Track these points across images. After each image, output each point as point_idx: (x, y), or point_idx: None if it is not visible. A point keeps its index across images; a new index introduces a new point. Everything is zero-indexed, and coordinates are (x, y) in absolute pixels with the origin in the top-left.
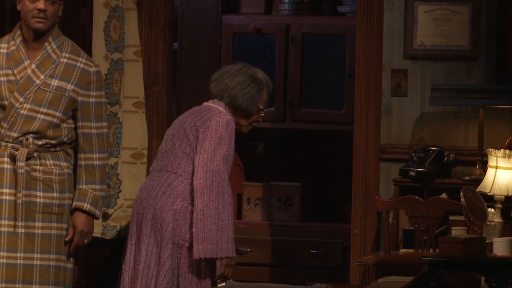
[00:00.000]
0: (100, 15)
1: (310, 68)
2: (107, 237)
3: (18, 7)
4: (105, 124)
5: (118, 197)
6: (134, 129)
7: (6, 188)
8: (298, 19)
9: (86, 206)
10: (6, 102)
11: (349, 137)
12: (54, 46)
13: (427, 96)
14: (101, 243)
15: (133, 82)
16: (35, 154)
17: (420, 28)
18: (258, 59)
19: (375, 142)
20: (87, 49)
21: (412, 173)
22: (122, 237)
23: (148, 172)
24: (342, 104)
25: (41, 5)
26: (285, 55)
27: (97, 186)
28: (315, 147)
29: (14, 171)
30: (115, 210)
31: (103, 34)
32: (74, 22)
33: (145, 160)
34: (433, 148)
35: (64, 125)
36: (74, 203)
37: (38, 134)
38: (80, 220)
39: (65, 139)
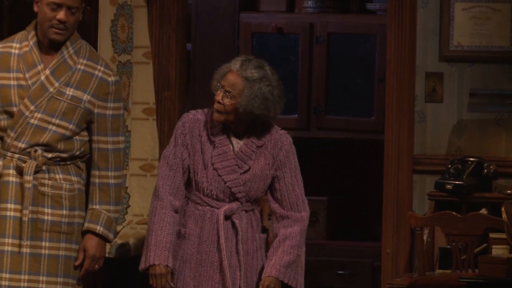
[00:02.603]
0: (106, 13)
1: (337, 71)
2: (115, 256)
3: (35, 8)
4: (122, 138)
5: (127, 213)
6: (144, 138)
7: (11, 203)
8: (323, 18)
9: (99, 229)
10: (14, 109)
11: (380, 147)
12: (72, 51)
13: (465, 102)
14: (108, 263)
15: (143, 87)
16: (43, 168)
17: (457, 28)
18: (280, 61)
19: (408, 152)
20: None
21: (448, 187)
22: (130, 256)
23: None
24: (372, 110)
25: (61, 15)
26: (309, 57)
27: (112, 207)
28: (342, 158)
29: (21, 185)
30: (124, 227)
31: (109, 34)
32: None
33: (155, 172)
34: (471, 159)
35: (77, 137)
36: (86, 224)
37: (48, 147)
38: (91, 243)
39: (77, 152)
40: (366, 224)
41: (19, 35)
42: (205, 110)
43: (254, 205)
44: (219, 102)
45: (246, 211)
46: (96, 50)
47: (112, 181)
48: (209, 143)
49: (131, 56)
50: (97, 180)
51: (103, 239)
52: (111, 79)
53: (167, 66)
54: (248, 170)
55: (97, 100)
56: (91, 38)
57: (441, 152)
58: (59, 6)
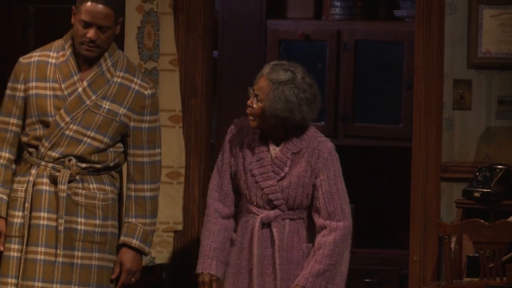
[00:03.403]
0: (132, 21)
1: (364, 78)
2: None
3: (72, 20)
4: (158, 151)
5: None
6: (170, 145)
7: (44, 212)
8: (350, 25)
9: (135, 242)
10: (50, 119)
11: (407, 154)
12: (109, 64)
13: (493, 109)
14: None
15: (169, 94)
16: (77, 177)
17: (485, 34)
18: (307, 68)
19: (435, 160)
20: None
21: (476, 194)
22: (157, 265)
23: (185, 193)
24: (399, 118)
25: (91, 34)
26: (337, 64)
27: (148, 220)
28: (369, 165)
29: (54, 194)
30: None
31: (136, 41)
32: None
33: (182, 180)
34: (499, 166)
35: (111, 149)
36: (122, 238)
37: (82, 158)
38: (128, 257)
39: (111, 164)
40: (393, 232)
41: (57, 43)
42: None
43: (303, 213)
44: (249, 106)
45: (292, 219)
46: None
47: (148, 194)
48: (250, 150)
49: (158, 63)
50: (133, 194)
51: (139, 252)
52: (148, 92)
53: (193, 74)
54: (285, 177)
55: (133, 114)
56: (117, 45)
57: (469, 160)
58: (89, 25)
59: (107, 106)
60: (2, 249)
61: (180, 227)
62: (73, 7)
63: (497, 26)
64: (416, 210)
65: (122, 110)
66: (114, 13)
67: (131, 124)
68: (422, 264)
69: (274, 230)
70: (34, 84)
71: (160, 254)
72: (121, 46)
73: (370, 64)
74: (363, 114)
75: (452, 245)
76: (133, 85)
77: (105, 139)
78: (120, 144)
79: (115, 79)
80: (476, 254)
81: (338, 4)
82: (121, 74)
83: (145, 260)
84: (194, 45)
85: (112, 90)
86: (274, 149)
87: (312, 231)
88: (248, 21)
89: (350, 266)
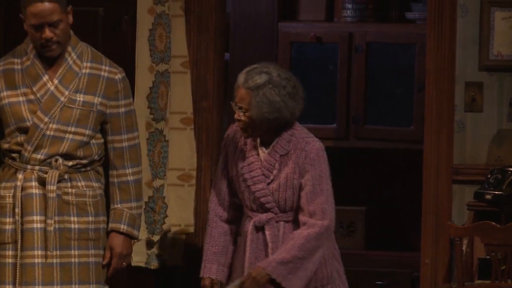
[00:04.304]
0: (144, 23)
1: (376, 80)
2: (152, 267)
3: (25, 27)
4: (136, 134)
5: (164, 223)
6: (182, 147)
7: (37, 215)
8: (362, 27)
9: (123, 227)
10: (28, 124)
11: (419, 156)
12: (75, 57)
13: (505, 112)
14: (144, 273)
15: (181, 96)
16: (65, 176)
17: (497, 37)
18: (318, 70)
19: (447, 162)
20: (130, 59)
21: (488, 197)
22: (168, 267)
23: (196, 196)
24: (411, 120)
25: (46, 34)
26: (348, 66)
27: (133, 204)
28: (381, 168)
29: (44, 196)
30: (161, 237)
31: (147, 43)
32: (115, 31)
33: (193, 182)
34: (511, 168)
35: (93, 141)
36: (110, 224)
37: (68, 156)
38: (117, 242)
39: (96, 156)
40: (405, 234)
41: (18, 49)
42: None
43: (297, 215)
44: (237, 120)
45: (287, 221)
46: (134, 60)
47: (131, 178)
48: (242, 154)
49: (169, 65)
50: (115, 180)
51: (128, 236)
52: (118, 76)
53: (205, 76)
54: (274, 179)
55: (108, 101)
56: (129, 48)
57: (480, 162)
58: (40, 26)
59: (81, 99)
60: None
61: (191, 229)
62: (20, 15)
63: (508, 28)
64: (427, 212)
65: (97, 100)
66: (59, 4)
67: (108, 111)
68: (434, 266)
69: (267, 233)
70: (5, 93)
71: (172, 256)
72: (132, 48)
73: (381, 66)
74: (374, 116)
75: (464, 248)
76: (102, 73)
77: (87, 131)
78: (100, 135)
79: (84, 71)
80: (488, 257)
81: (349, 6)
82: (88, 64)
83: (156, 262)
84: (205, 47)
85: (82, 82)
86: (263, 153)
87: None
88: (260, 23)
89: (362, 269)
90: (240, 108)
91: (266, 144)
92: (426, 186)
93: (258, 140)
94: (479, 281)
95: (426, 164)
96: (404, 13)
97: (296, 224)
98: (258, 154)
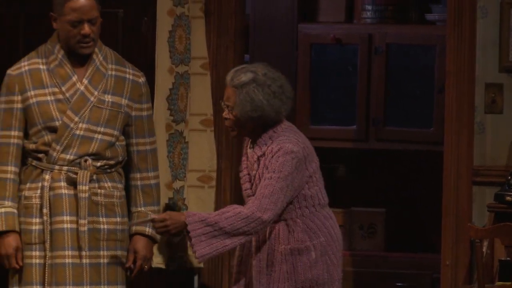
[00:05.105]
0: (164, 24)
1: (395, 82)
2: (172, 268)
3: (54, 26)
4: (155, 138)
5: None
6: (202, 149)
7: (67, 215)
8: (382, 28)
9: (148, 230)
10: (57, 123)
11: (439, 158)
12: (101, 58)
13: None
14: (164, 275)
15: (201, 98)
16: (94, 177)
17: None
18: (338, 72)
19: (467, 164)
20: (150, 61)
21: (508, 198)
22: (187, 269)
23: (216, 197)
24: (431, 122)
25: (86, 30)
26: (368, 68)
27: (155, 208)
28: (401, 169)
29: (74, 196)
30: (181, 238)
31: (167, 45)
32: (135, 32)
33: (213, 183)
34: None
35: (118, 143)
36: (135, 227)
37: (97, 156)
38: (142, 244)
39: (120, 158)
40: (425, 235)
41: (41, 49)
42: None
43: (283, 215)
44: (225, 119)
45: (274, 222)
46: (154, 61)
47: (153, 181)
48: (243, 155)
49: (189, 67)
50: (139, 183)
51: (151, 239)
52: (141, 80)
53: (224, 77)
54: (254, 180)
55: (134, 103)
56: (149, 49)
57: (501, 164)
58: (80, 22)
59: (110, 100)
60: (20, 264)
61: None
62: (52, 13)
63: None
64: (448, 214)
65: (124, 101)
66: (96, 2)
67: (133, 113)
68: (454, 268)
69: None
70: (32, 93)
71: (192, 258)
72: (152, 50)
73: (401, 68)
74: (394, 118)
75: (484, 249)
76: (127, 75)
77: (115, 132)
78: (123, 137)
79: (110, 72)
80: (508, 258)
81: (369, 7)
82: (113, 66)
83: (176, 264)
84: (225, 49)
85: (110, 83)
86: (250, 153)
87: (292, 233)
88: (280, 24)
89: (382, 270)
90: (227, 106)
91: (255, 143)
92: (446, 188)
93: (249, 139)
94: (500, 283)
95: (446, 166)
96: (424, 15)
97: (284, 224)
98: (247, 154)
